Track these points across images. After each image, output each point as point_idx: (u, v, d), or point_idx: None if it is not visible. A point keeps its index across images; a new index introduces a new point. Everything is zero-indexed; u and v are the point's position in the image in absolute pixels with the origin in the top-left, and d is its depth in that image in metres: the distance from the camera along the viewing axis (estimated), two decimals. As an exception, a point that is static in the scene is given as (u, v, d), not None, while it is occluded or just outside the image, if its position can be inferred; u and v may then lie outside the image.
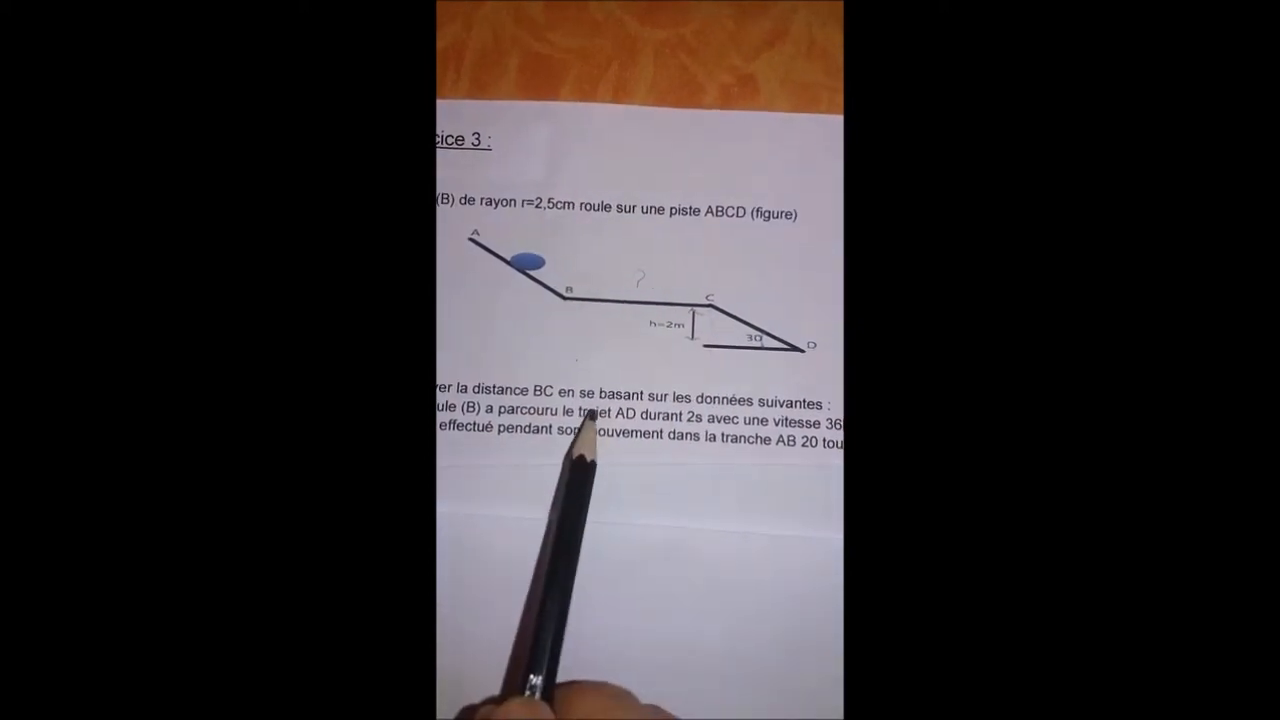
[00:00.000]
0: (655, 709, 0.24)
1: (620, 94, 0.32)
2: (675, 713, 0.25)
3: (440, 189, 0.31)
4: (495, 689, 0.29)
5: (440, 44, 0.32)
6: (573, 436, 0.29)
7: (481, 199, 0.31)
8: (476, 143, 0.31)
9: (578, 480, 0.28)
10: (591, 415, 0.29)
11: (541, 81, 0.32)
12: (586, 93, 0.32)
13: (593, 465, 0.28)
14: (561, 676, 0.26)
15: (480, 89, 0.32)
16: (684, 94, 0.32)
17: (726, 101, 0.32)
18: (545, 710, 0.22)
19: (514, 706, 0.22)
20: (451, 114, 0.31)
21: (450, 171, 0.31)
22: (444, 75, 0.32)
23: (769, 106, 0.31)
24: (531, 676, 0.23)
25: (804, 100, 0.31)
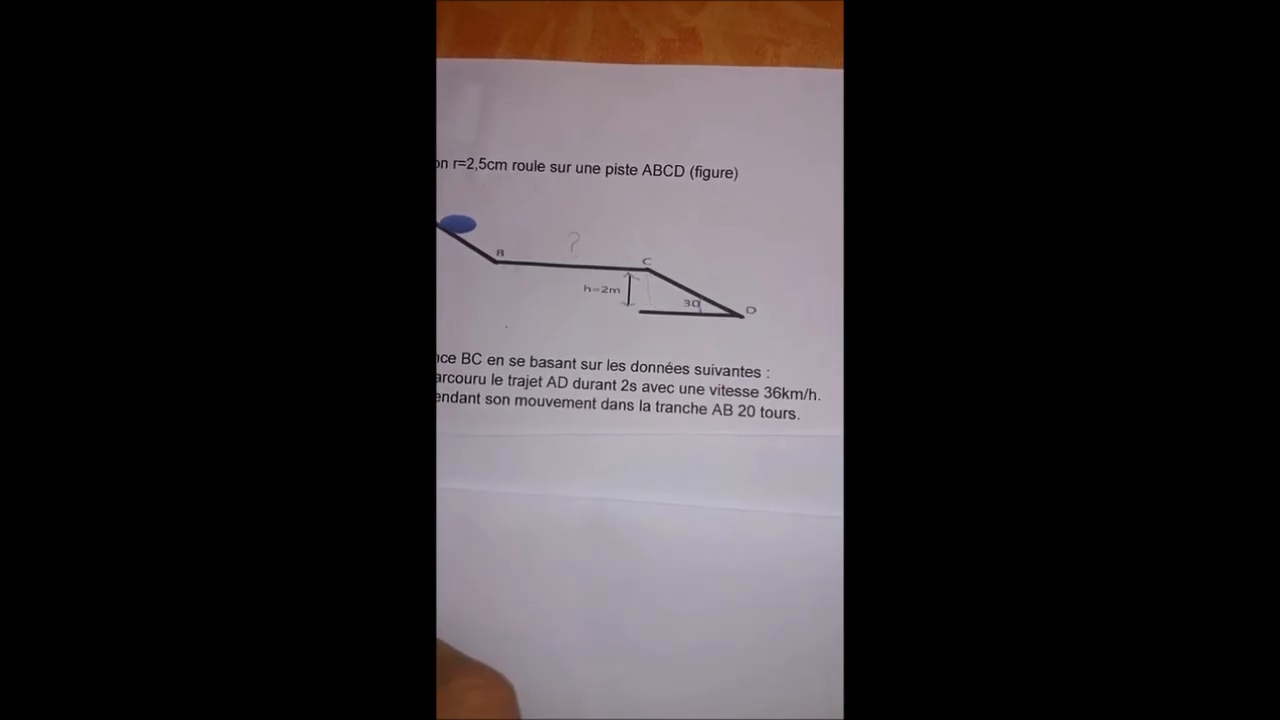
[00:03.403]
0: None
1: (558, 51, 0.30)
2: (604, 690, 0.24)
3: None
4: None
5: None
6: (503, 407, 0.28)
7: (411, 160, 0.30)
8: (407, 102, 0.30)
9: None
10: None
11: (476, 39, 0.31)
12: (522, 50, 0.30)
13: None
14: (488, 652, 0.24)
15: (413, 47, 0.31)
16: (624, 50, 0.30)
17: (666, 57, 0.30)
18: None
19: None
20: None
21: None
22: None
23: (711, 61, 0.30)
24: None
25: (748, 54, 0.30)
